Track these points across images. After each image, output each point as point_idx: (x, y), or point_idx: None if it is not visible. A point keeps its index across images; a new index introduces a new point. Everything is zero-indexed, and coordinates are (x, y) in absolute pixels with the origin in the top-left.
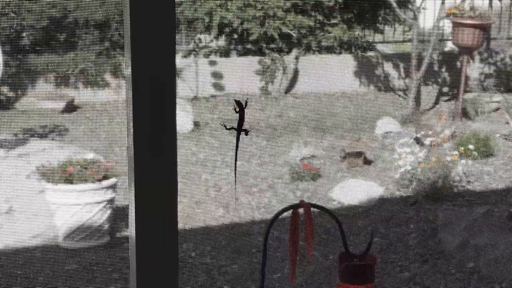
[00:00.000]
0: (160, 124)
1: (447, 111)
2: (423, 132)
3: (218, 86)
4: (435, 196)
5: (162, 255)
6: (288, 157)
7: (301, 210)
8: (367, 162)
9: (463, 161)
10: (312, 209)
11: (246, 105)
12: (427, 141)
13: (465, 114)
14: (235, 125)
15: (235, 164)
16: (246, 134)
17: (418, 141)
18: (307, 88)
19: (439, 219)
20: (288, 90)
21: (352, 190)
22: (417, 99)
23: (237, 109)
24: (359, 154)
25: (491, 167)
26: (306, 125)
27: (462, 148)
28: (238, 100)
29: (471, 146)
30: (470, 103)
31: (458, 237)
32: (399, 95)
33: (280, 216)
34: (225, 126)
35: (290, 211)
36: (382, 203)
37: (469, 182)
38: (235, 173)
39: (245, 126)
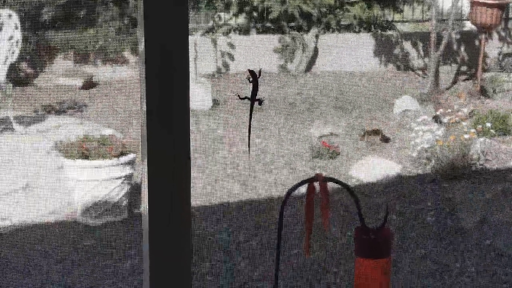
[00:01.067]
0: (172, 99)
1: (465, 90)
2: (441, 110)
3: (237, 64)
4: (452, 174)
5: (175, 230)
6: (307, 135)
7: (316, 184)
8: (385, 140)
9: (481, 139)
10: (329, 184)
11: (259, 74)
12: (445, 119)
13: (483, 92)
14: (249, 95)
15: (249, 134)
16: (260, 103)
17: (436, 119)
18: (327, 67)
19: (456, 197)
20: (307, 68)
21: (370, 168)
22: (436, 78)
23: (251, 79)
24: (377, 132)
25: (509, 145)
26: (325, 104)
27: (480, 126)
28: (252, 70)
29: (488, 124)
30: (488, 82)
31: (476, 215)
32: (418, 74)
33: (297, 191)
34: (239, 95)
35: (307, 185)
36: (400, 180)
37: (486, 160)
38: (249, 143)
39: (259, 96)
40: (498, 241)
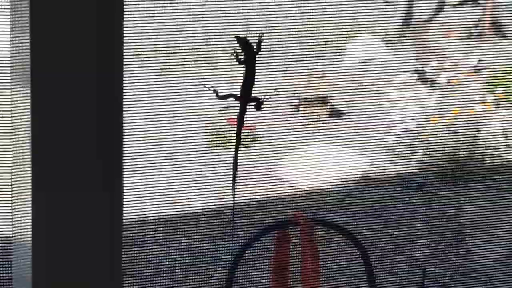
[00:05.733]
0: None
1: (462, 22)
2: (434, 63)
3: None
4: (456, 173)
5: None
6: (197, 104)
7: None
8: (336, 114)
9: (503, 112)
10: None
11: (259, 46)
12: (441, 78)
13: (495, 27)
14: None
15: (236, 154)
16: (259, 107)
17: (423, 77)
18: None
19: (464, 213)
20: None
21: (313, 165)
22: (410, 2)
23: (241, 57)
24: (322, 101)
25: None
26: (222, 45)
27: (502, 89)
28: (244, 38)
29: None
30: (503, 9)
31: (500, 241)
32: None
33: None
34: (216, 91)
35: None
36: (367, 186)
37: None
38: (235, 168)
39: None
40: None
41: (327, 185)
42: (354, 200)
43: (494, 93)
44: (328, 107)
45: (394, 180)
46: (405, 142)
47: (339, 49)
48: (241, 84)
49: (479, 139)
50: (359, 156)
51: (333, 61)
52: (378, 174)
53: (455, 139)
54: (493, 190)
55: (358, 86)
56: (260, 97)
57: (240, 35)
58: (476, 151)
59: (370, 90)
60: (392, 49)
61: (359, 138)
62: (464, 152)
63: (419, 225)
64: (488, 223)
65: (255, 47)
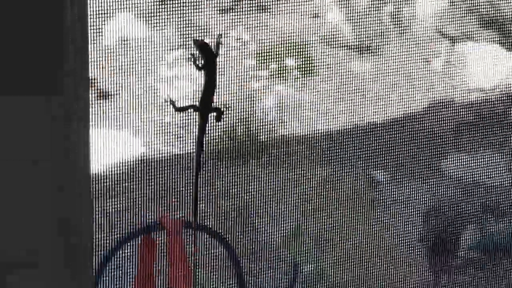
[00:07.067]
0: None
1: None
2: (203, 37)
3: None
4: (235, 152)
5: None
6: None
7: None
8: (102, 95)
9: (278, 88)
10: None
11: (218, 47)
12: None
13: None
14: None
15: (197, 171)
16: (219, 119)
17: (193, 54)
18: None
19: (246, 190)
20: None
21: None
22: None
23: (201, 62)
24: (89, 83)
25: (315, 93)
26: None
27: (275, 65)
28: (202, 40)
29: (292, 62)
30: None
31: (279, 216)
32: None
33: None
34: (172, 102)
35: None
36: (144, 167)
37: (284, 122)
38: (197, 184)
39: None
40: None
41: (104, 168)
42: (132, 183)
43: (268, 69)
44: (95, 89)
45: (171, 160)
46: (181, 122)
47: (98, 29)
48: (201, 92)
49: (254, 115)
50: (134, 137)
51: (92, 41)
52: (155, 155)
53: (231, 116)
54: (270, 165)
55: (122, 62)
56: (220, 107)
57: (197, 38)
58: (252, 128)
59: (136, 69)
60: (153, 26)
61: (131, 119)
62: (241, 129)
63: (203, 205)
64: (270, 199)
65: (214, 46)
